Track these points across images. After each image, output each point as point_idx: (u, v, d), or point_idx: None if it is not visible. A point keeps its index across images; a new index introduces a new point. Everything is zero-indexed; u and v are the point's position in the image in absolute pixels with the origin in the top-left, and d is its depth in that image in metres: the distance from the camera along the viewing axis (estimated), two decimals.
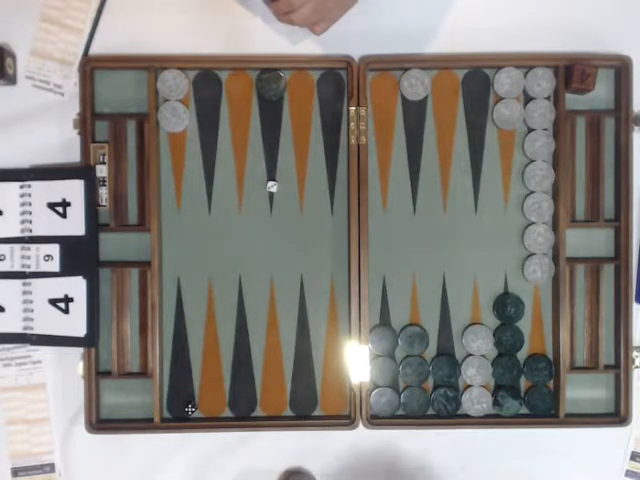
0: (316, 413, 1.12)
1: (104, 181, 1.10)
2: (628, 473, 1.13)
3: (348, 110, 1.11)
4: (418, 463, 1.13)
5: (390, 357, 1.12)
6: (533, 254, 1.12)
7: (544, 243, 1.12)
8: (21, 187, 1.09)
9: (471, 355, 1.12)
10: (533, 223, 1.12)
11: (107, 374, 1.10)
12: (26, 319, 1.09)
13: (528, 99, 1.12)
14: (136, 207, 1.11)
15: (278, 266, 1.12)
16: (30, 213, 1.09)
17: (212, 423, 1.11)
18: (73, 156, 1.11)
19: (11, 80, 1.11)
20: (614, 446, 1.13)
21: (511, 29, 1.12)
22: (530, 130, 1.12)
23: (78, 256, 1.08)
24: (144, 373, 1.11)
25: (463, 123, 1.13)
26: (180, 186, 1.12)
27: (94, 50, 1.12)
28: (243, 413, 1.12)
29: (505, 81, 1.11)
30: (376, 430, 1.10)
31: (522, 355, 1.12)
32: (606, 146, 1.11)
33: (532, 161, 1.12)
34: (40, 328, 1.09)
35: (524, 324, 1.12)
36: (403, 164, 1.13)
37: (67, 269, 1.09)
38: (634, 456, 1.13)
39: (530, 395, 1.11)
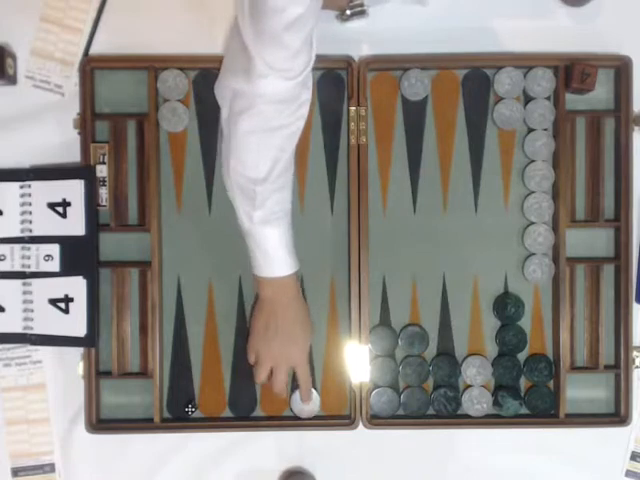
0: (316, 413, 1.12)
1: (104, 181, 1.10)
2: (628, 473, 1.13)
3: (348, 110, 1.11)
4: (418, 463, 1.13)
5: (390, 357, 1.12)
6: (533, 254, 1.12)
7: (544, 243, 1.11)
8: (21, 187, 1.09)
9: (471, 355, 1.12)
10: (533, 223, 1.12)
11: (107, 374, 1.10)
12: (26, 319, 1.09)
13: (528, 99, 1.12)
14: (136, 207, 1.11)
15: None
16: (30, 213, 1.09)
17: (212, 423, 1.11)
18: (73, 156, 1.10)
19: (11, 80, 1.10)
20: (614, 446, 1.13)
21: (511, 29, 1.12)
22: (530, 130, 1.12)
23: (78, 256, 1.08)
24: (144, 373, 1.11)
25: (463, 123, 1.13)
26: (180, 186, 1.12)
27: (94, 50, 1.12)
28: (243, 413, 1.12)
29: (505, 81, 1.11)
30: (376, 430, 1.10)
31: (522, 355, 1.12)
32: (606, 146, 1.11)
33: (532, 161, 1.12)
34: (40, 328, 1.09)
35: (524, 324, 1.12)
36: (403, 164, 1.12)
37: (67, 269, 1.08)
38: (634, 456, 1.13)
39: (530, 395, 1.11)
